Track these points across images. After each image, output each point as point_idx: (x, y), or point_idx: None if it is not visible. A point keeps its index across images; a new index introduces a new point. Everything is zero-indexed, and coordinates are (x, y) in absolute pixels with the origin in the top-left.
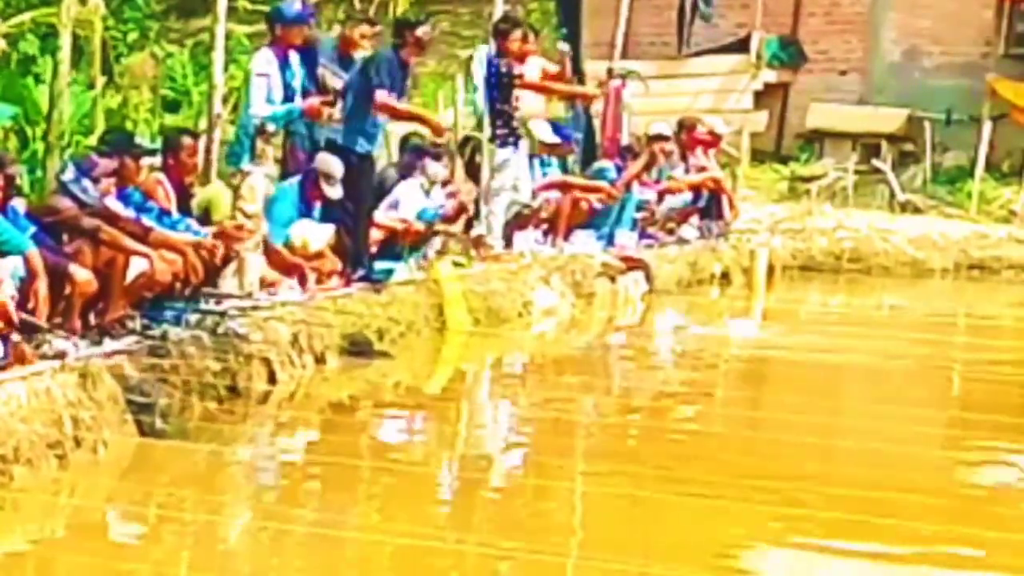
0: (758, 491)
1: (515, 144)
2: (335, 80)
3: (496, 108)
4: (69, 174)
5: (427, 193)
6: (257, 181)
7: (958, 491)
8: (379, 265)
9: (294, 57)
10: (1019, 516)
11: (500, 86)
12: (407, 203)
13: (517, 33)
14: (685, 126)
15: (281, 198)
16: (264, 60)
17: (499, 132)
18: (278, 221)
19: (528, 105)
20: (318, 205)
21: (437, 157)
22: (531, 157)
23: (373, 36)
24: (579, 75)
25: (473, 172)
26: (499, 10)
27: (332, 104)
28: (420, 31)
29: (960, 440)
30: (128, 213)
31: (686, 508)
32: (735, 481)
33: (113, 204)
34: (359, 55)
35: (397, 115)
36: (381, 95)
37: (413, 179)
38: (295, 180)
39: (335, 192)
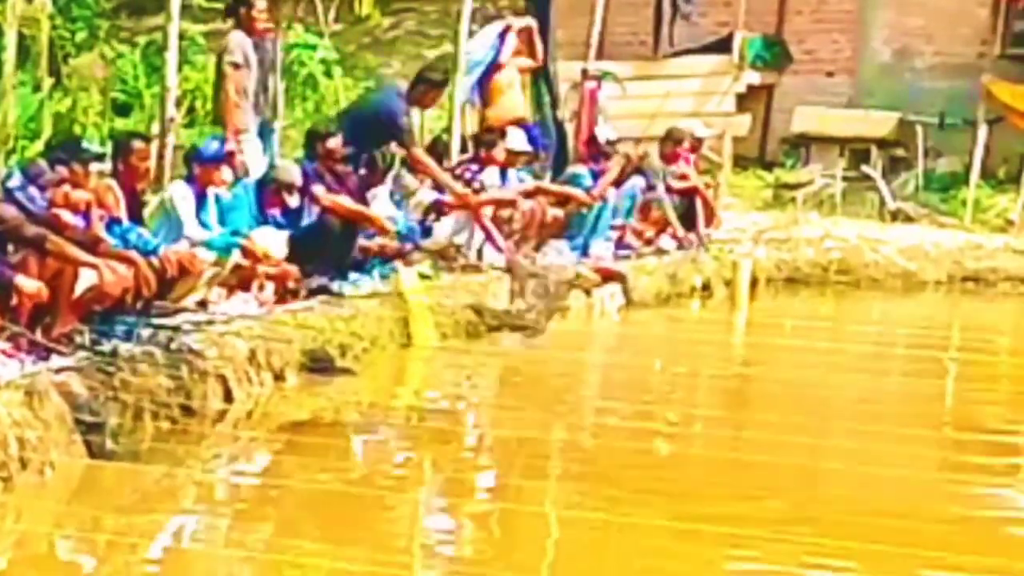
0: (740, 515)
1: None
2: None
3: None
4: (15, 180)
5: (398, 204)
6: None
7: (950, 515)
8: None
9: (211, 197)
10: (1015, 541)
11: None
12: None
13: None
14: (672, 138)
15: (237, 206)
16: (180, 193)
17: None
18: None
19: (506, 106)
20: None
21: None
22: (504, 169)
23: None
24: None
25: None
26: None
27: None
28: (330, 143)
29: (953, 462)
30: (76, 222)
31: (664, 533)
32: (715, 505)
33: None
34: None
35: (342, 214)
36: (319, 191)
37: (383, 187)
38: (248, 185)
39: (295, 201)
